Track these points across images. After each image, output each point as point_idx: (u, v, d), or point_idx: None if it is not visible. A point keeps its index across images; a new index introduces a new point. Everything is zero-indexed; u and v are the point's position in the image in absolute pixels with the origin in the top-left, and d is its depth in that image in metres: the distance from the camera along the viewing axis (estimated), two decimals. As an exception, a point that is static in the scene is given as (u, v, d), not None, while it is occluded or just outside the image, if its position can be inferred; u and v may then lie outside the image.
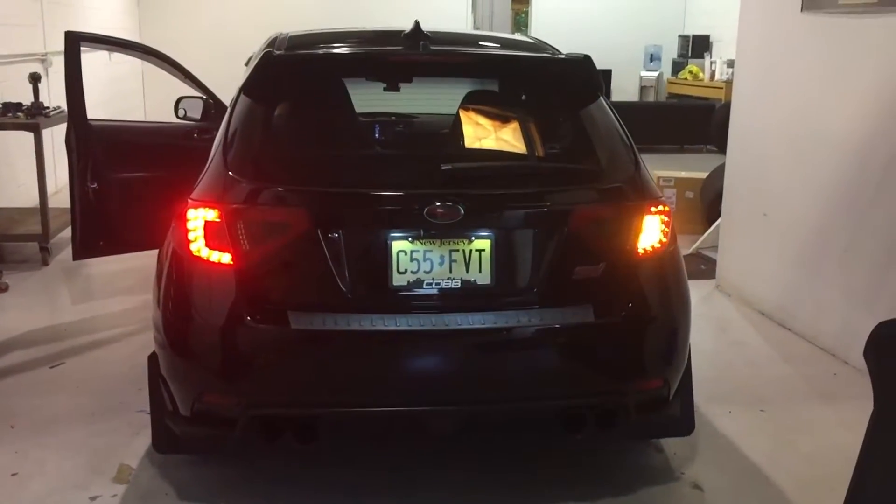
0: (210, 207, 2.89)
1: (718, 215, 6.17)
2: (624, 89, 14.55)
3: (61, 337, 4.75)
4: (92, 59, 9.16)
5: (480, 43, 4.00)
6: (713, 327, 5.24)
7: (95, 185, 4.68)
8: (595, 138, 3.25)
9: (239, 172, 2.96)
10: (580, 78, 3.30)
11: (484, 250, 2.91)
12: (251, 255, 2.87)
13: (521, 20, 15.06)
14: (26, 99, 6.42)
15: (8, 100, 6.34)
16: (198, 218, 2.90)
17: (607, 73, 13.95)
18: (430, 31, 3.38)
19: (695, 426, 3.39)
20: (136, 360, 4.33)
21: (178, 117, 4.96)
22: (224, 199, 2.90)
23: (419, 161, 3.27)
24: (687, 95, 13.93)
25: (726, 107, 11.67)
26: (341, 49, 3.58)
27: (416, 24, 3.36)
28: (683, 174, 7.69)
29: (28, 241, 6.12)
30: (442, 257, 2.89)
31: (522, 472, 3.37)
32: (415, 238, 2.88)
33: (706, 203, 7.19)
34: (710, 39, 14.03)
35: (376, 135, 3.83)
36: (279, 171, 3.02)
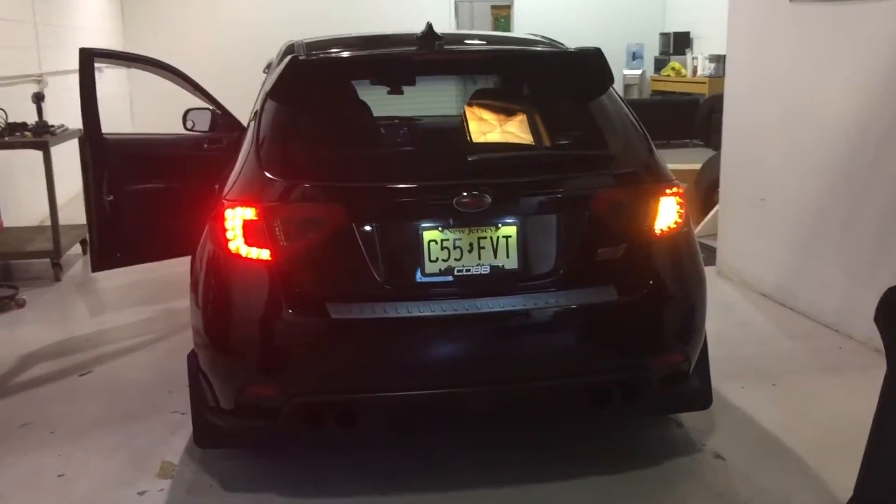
0: (248, 206, 3.01)
1: (714, 205, 6.34)
2: (607, 88, 14.72)
3: (85, 347, 4.85)
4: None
5: (492, 42, 4.15)
6: (718, 311, 5.37)
7: (111, 198, 4.78)
8: (609, 126, 3.40)
9: (273, 172, 3.08)
10: (592, 70, 3.45)
11: (510, 236, 3.05)
12: (289, 251, 2.99)
13: (501, 24, 15.22)
14: (25, 118, 6.50)
15: (10, 120, 6.41)
16: (236, 217, 3.02)
17: (591, 73, 14.09)
18: (441, 32, 3.52)
19: (712, 400, 3.54)
20: (161, 366, 4.46)
21: (186, 129, 5.07)
22: (261, 197, 3.03)
23: (445, 154, 3.41)
24: (670, 92, 14.14)
25: (710, 101, 11.99)
26: (361, 52, 3.72)
27: (429, 25, 3.50)
28: (677, 166, 7.83)
29: (40, 258, 6.20)
30: (471, 245, 3.03)
31: (549, 449, 3.51)
32: (445, 227, 3.01)
33: (701, 193, 7.36)
34: (691, 36, 14.26)
35: (402, 132, 3.97)
36: (312, 169, 3.15)
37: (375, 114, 3.74)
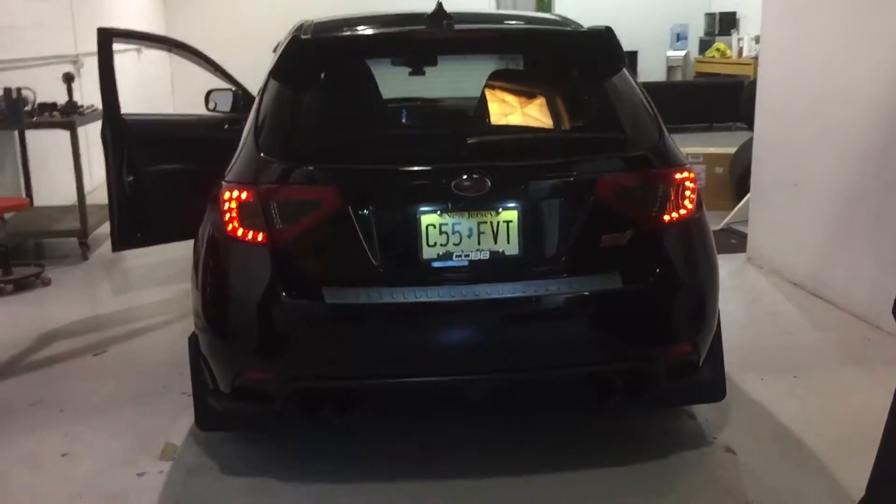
0: (243, 188, 2.97)
1: (748, 190, 6.16)
2: (650, 70, 14.46)
3: (103, 326, 4.88)
4: (121, 60, 9.35)
5: (502, 20, 4.05)
6: (745, 299, 5.25)
7: (131, 178, 4.79)
8: (618, 108, 3.28)
9: (270, 153, 3.04)
10: (602, 50, 3.33)
11: (511, 221, 2.96)
12: (285, 234, 2.95)
13: (544, 5, 15.00)
14: (59, 100, 6.57)
15: (42, 101, 6.48)
16: (232, 199, 2.98)
17: (633, 55, 13.87)
18: (451, 12, 3.43)
19: (726, 392, 3.42)
20: (176, 347, 4.44)
21: (208, 110, 5.06)
22: (257, 179, 2.99)
23: (445, 137, 3.33)
24: (715, 74, 13.83)
25: (755, 83, 11.66)
26: (365, 31, 3.65)
27: (439, 3, 3.41)
28: (712, 150, 7.68)
29: (68, 237, 6.28)
30: (470, 229, 2.95)
31: (555, 441, 3.42)
32: (443, 211, 2.94)
33: (735, 178, 7.17)
34: (737, 16, 13.92)
35: (403, 114, 3.90)
36: (309, 151, 3.10)
37: (384, 96, 3.67)
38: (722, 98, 12.45)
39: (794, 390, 3.87)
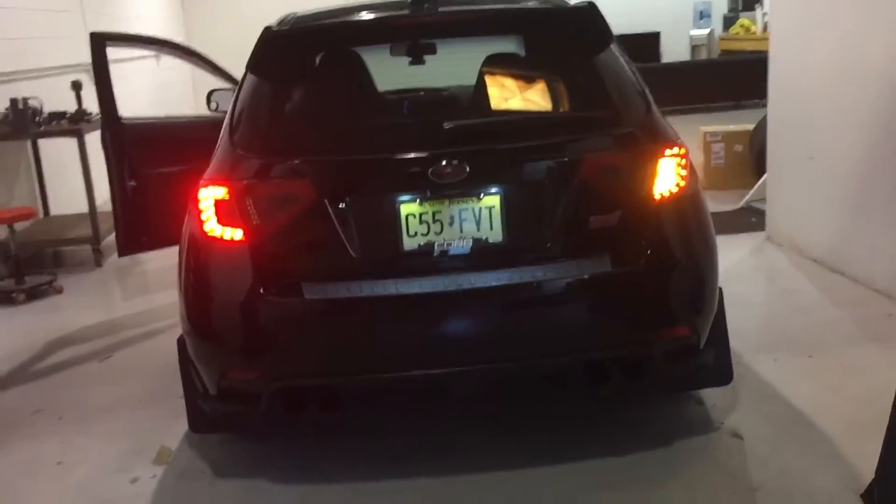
0: (219, 185, 2.92)
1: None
2: (673, 50, 14.19)
3: (111, 332, 4.87)
4: (140, 67, 9.38)
5: (486, 1, 3.93)
6: (762, 278, 5.10)
7: (133, 183, 4.77)
8: (604, 86, 3.16)
9: (245, 149, 2.98)
10: (587, 27, 3.21)
11: (494, 207, 2.87)
12: (262, 230, 2.89)
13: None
14: (71, 108, 6.58)
15: (55, 109, 6.51)
16: (208, 197, 2.93)
17: (655, 36, 13.68)
18: None
19: (733, 376, 3.30)
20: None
21: (210, 110, 5.02)
22: (232, 176, 2.93)
23: (423, 124, 3.24)
24: (740, 51, 13.52)
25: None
26: (341, 19, 3.57)
27: None
28: (731, 128, 7.49)
29: (81, 244, 6.30)
30: (451, 217, 2.86)
31: (553, 432, 3.30)
32: (422, 200, 2.85)
33: (755, 155, 6.97)
34: (762, -10, 13.61)
35: (380, 104, 3.81)
36: (283, 145, 3.03)
37: (378, 89, 3.58)
38: (748, 75, 12.08)
39: (809, 370, 3.72)
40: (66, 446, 3.51)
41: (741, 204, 6.56)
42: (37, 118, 6.25)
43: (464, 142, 2.92)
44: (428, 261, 2.88)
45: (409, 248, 2.86)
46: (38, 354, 4.58)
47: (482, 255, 2.88)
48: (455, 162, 2.81)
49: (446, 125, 2.92)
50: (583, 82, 3.22)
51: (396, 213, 2.85)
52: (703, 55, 14.35)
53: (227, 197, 2.89)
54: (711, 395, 3.46)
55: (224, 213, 2.90)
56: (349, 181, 2.91)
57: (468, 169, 2.81)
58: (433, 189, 2.84)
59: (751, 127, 7.28)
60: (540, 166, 2.95)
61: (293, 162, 2.95)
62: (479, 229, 2.87)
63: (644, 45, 13.99)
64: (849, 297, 4.57)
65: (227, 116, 3.16)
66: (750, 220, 6.22)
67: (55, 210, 6.96)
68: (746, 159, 7.16)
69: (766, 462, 3.02)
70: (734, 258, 5.42)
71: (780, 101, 5.51)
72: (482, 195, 2.86)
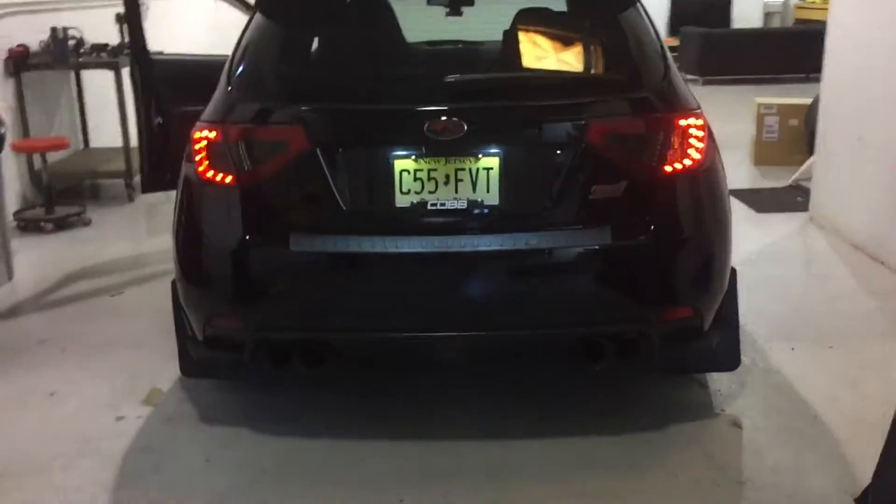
0: (212, 128, 2.84)
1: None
2: (746, 17, 13.67)
3: (128, 267, 4.89)
4: (196, 6, 9.34)
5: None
6: (798, 260, 4.89)
7: (160, 120, 4.73)
8: (623, 47, 2.99)
9: (240, 91, 2.89)
10: None
11: (492, 168, 2.73)
12: (253, 176, 2.81)
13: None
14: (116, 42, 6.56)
15: (99, 41, 6.49)
16: (202, 140, 2.87)
17: (726, 0, 13.15)
18: None
19: (740, 361, 3.15)
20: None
21: None
22: (225, 118, 2.85)
23: (424, 77, 3.10)
24: (817, 20, 12.94)
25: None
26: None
27: None
28: (787, 100, 7.15)
29: (113, 178, 6.34)
30: (447, 176, 2.74)
31: (546, 406, 3.19)
32: (418, 156, 2.73)
33: (809, 131, 6.65)
34: (842, -42, 12.95)
35: (392, 53, 3.67)
36: (278, 89, 2.94)
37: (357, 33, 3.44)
38: (821, 47, 11.64)
39: (826, 362, 3.54)
40: (63, 379, 3.53)
41: (789, 182, 6.30)
42: (80, 49, 6.25)
43: (465, 98, 2.78)
44: (420, 220, 2.77)
45: (401, 205, 2.76)
46: (54, 285, 4.62)
47: (476, 218, 2.77)
48: (455, 119, 2.69)
49: (447, 79, 2.78)
50: (602, 44, 3.06)
51: (391, 168, 2.74)
52: (776, 23, 13.80)
53: (219, 139, 2.82)
54: (716, 380, 3.32)
55: (216, 156, 2.83)
56: (343, 131, 2.81)
57: (466, 127, 2.68)
58: (429, 146, 2.72)
59: (809, 101, 6.93)
60: (543, 129, 2.80)
61: (285, 107, 2.85)
62: (475, 191, 2.74)
63: (713, 7, 13.52)
64: (884, 287, 4.34)
65: (230, 56, 3.06)
66: (796, 199, 5.96)
67: (95, 143, 7.00)
68: (801, 134, 6.84)
69: (761, 456, 2.88)
70: (773, 237, 5.21)
71: (835, 75, 5.22)
72: (480, 155, 2.73)
